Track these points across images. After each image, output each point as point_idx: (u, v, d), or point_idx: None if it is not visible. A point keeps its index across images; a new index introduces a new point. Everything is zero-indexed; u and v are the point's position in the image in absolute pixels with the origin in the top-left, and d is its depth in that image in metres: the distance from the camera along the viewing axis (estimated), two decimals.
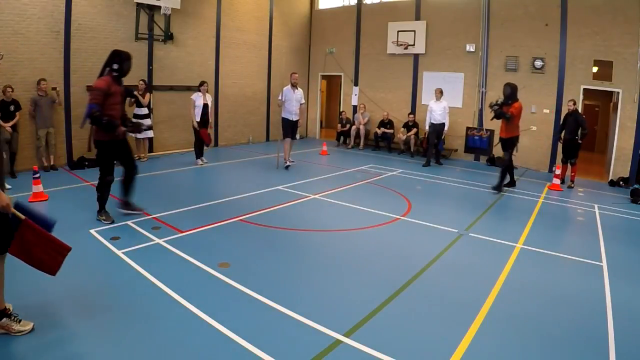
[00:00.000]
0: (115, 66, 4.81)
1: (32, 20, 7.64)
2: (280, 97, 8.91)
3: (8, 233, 2.59)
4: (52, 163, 7.94)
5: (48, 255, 2.75)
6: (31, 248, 2.67)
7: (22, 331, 2.75)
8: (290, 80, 8.83)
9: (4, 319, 2.73)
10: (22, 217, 2.63)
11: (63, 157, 8.42)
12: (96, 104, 4.66)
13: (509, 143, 7.72)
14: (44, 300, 3.23)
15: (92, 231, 4.71)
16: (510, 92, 7.52)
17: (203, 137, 8.97)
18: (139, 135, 9.04)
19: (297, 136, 9.50)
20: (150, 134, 9.31)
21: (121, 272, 3.81)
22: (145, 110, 9.03)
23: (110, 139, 4.84)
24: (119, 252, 4.18)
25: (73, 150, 8.52)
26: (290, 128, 8.94)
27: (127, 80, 8.99)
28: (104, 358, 2.62)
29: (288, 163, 8.98)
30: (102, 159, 4.98)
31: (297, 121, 8.95)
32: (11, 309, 2.81)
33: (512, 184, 8.14)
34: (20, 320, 2.78)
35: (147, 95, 9.10)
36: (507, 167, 7.84)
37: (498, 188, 7.77)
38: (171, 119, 10.39)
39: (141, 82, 9.00)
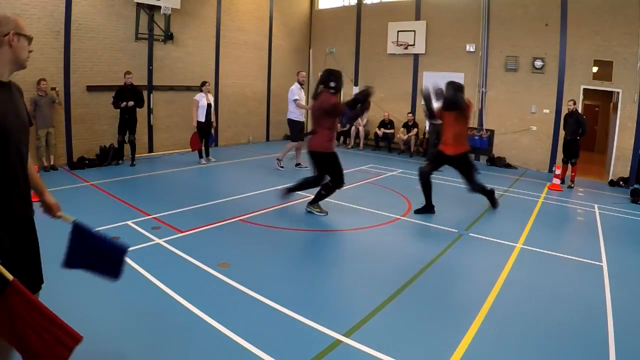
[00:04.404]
0: (332, 84, 5.47)
1: (32, 20, 7.62)
2: (297, 97, 8.53)
3: None
4: (52, 163, 7.93)
5: (43, 342, 1.71)
6: (19, 326, 1.69)
7: None
8: (299, 79, 8.66)
9: None
10: (10, 277, 1.66)
11: (63, 157, 8.41)
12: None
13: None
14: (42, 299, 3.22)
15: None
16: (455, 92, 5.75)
17: (192, 141, 8.77)
18: None
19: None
20: None
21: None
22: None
23: (333, 150, 5.84)
24: None
25: (73, 150, 8.51)
26: (300, 129, 8.71)
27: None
28: (103, 357, 2.61)
29: (302, 164, 8.70)
30: (336, 167, 5.80)
31: (303, 122, 8.87)
32: None
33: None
34: None
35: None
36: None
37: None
38: (171, 119, 10.39)
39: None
